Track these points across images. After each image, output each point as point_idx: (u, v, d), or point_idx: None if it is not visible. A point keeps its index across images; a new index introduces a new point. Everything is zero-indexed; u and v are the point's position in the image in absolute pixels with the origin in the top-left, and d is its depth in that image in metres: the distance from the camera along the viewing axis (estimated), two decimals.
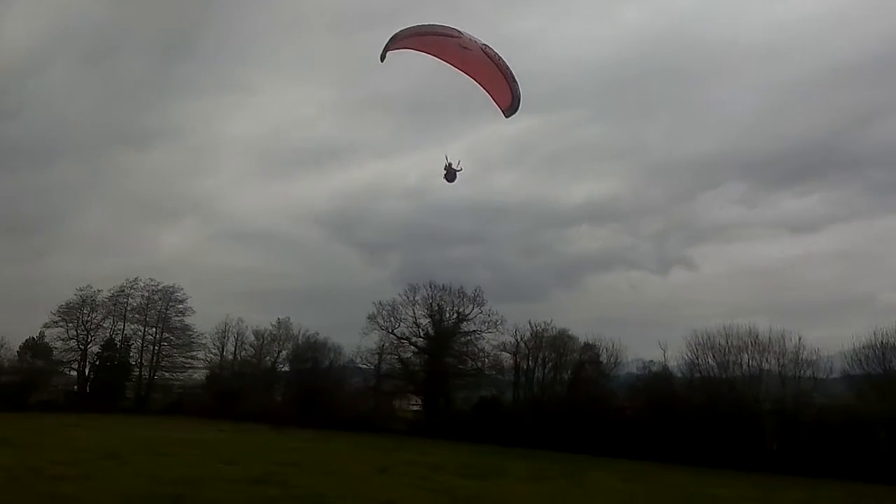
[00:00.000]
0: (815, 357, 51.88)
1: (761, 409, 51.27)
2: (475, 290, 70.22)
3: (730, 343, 53.17)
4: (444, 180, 20.63)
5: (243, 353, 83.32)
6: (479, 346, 70.49)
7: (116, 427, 51.52)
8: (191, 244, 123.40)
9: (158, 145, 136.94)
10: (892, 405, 47.11)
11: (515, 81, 18.75)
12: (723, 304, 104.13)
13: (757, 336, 52.56)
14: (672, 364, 58.55)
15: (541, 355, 64.94)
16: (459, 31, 17.78)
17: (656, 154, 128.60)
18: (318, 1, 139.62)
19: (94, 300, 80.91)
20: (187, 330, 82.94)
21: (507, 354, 67.20)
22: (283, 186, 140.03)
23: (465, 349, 71.59)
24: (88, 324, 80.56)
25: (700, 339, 54.58)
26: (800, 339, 51.63)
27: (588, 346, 63.64)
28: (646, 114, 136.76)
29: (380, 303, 71.56)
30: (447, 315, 71.31)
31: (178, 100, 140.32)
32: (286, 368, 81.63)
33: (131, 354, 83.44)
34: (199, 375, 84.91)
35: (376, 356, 73.06)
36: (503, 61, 18.33)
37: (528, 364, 65.54)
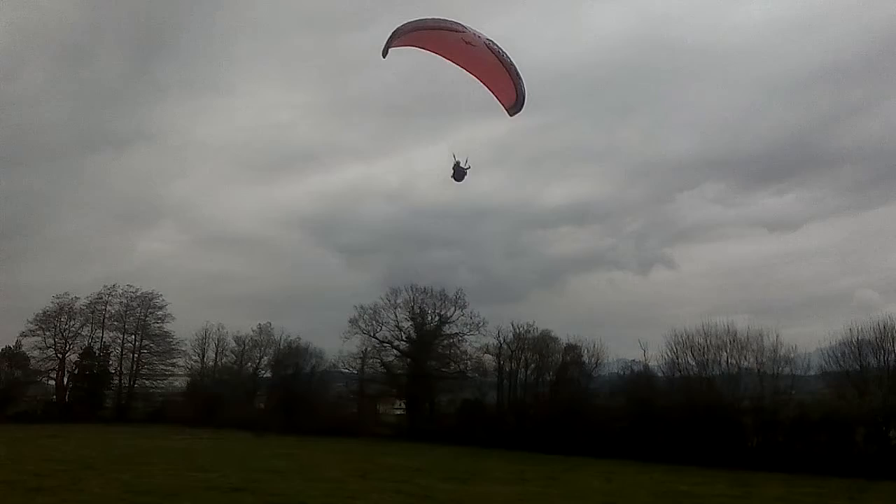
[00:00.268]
0: (792, 354, 52.45)
1: (740, 406, 51.72)
2: (457, 293, 70.42)
3: (709, 342, 53.57)
4: (452, 179, 19.65)
5: (224, 359, 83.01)
6: (461, 348, 70.70)
7: (95, 437, 51.00)
8: (169, 249, 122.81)
9: (134, 149, 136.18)
10: (870, 401, 47.75)
11: (520, 78, 18.14)
12: (702, 302, 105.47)
13: (735, 334, 53.01)
14: (653, 363, 58.94)
15: (523, 357, 65.05)
16: (464, 26, 17.18)
17: (635, 155, 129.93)
18: (295, 2, 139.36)
19: (71, 308, 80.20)
20: (167, 337, 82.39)
21: (490, 356, 67.37)
22: (262, 190, 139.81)
23: (447, 352, 71.62)
24: (66, 332, 79.76)
25: (680, 338, 54.94)
26: (777, 336, 52.16)
27: (570, 347, 63.85)
28: (624, 115, 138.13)
29: (361, 306, 71.55)
30: (429, 318, 71.32)
31: (154, 102, 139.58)
32: (268, 374, 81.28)
33: (110, 363, 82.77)
34: (180, 383, 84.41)
35: (359, 360, 72.89)
36: (507, 57, 17.71)
37: (511, 366, 65.62)
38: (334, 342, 74.13)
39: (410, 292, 70.81)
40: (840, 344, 50.41)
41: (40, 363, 79.96)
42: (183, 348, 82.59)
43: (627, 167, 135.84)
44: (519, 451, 50.35)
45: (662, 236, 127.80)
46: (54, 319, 79.31)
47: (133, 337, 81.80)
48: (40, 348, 79.31)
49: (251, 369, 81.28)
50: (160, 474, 28.53)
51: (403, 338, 71.68)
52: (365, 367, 73.48)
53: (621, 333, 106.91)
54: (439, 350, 71.57)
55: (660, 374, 58.39)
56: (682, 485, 33.43)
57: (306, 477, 30.06)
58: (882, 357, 48.70)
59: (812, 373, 54.37)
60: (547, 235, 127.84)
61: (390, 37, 16.65)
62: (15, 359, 79.75)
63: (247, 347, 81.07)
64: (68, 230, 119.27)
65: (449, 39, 17.21)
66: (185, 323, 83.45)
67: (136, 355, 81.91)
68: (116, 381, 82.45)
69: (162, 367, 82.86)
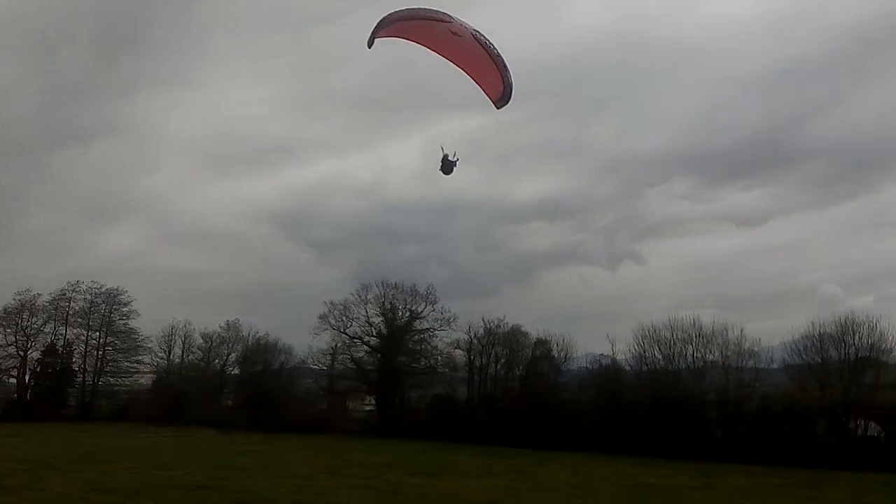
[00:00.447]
0: (756, 348, 53.38)
1: (705, 399, 52.59)
2: (428, 288, 70.34)
3: (675, 335, 54.29)
4: (441, 172, 19.23)
5: (191, 356, 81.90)
6: (432, 343, 70.67)
7: (57, 436, 50.03)
8: (135, 245, 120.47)
9: (100, 143, 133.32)
10: (831, 394, 48.85)
11: (508, 70, 17.60)
12: (670, 297, 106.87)
13: (701, 328, 53.80)
14: (620, 357, 59.59)
15: (494, 352, 65.27)
16: (450, 16, 16.71)
17: (605, 151, 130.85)
18: None
19: (33, 304, 78.26)
20: (132, 334, 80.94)
21: (461, 352, 67.50)
22: (231, 185, 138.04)
23: (418, 347, 71.58)
24: (28, 329, 77.90)
25: (647, 332, 55.60)
26: (742, 330, 53.03)
27: (540, 342, 64.27)
28: (595, 110, 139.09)
29: (331, 302, 71.07)
30: (400, 313, 71.13)
31: (120, 96, 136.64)
32: (235, 371, 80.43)
33: (74, 360, 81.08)
34: (146, 380, 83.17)
35: (328, 356, 72.43)
36: (495, 48, 17.22)
37: (481, 361, 65.79)
38: (304, 338, 73.57)
39: (381, 288, 70.68)
40: (802, 337, 51.51)
41: (1, 361, 78.05)
42: (149, 345, 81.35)
43: (598, 163, 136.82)
44: (489, 446, 50.57)
45: (632, 232, 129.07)
46: (15, 316, 77.46)
47: (97, 334, 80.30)
48: (1, 346, 77.45)
49: (218, 366, 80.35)
50: (123, 473, 28.08)
51: (374, 333, 71.48)
52: (335, 363, 73.09)
53: (590, 328, 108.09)
54: (410, 346, 71.51)
55: (627, 368, 59.11)
56: (649, 477, 33.88)
57: (274, 474, 29.82)
58: (843, 350, 49.84)
59: (775, 366, 55.40)
60: (518, 230, 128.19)
61: (376, 27, 16.32)
62: None
63: (214, 344, 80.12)
64: (35, 225, 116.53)
65: (435, 30, 16.85)
66: (151, 319, 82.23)
67: (100, 352, 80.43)
68: (80, 379, 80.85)
69: (127, 364, 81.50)
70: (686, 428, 48.54)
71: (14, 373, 78.63)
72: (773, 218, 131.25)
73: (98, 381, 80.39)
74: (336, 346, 71.57)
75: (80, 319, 79.83)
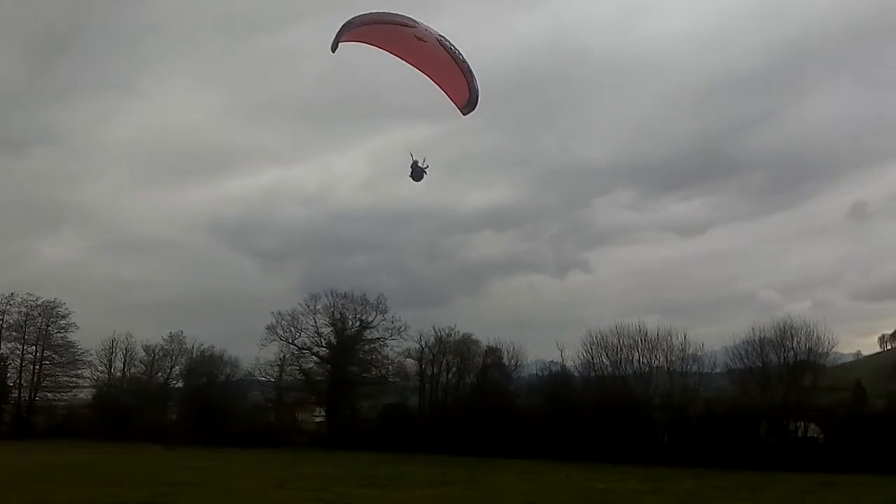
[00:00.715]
0: (700, 353, 54.74)
1: (651, 404, 53.59)
2: (378, 297, 69.80)
3: (622, 342, 55.27)
4: (410, 179, 18.87)
5: (133, 369, 79.40)
6: (383, 353, 70.11)
7: None
8: (72, 255, 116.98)
9: (34, 150, 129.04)
10: (772, 397, 50.34)
11: (473, 76, 17.42)
12: (616, 304, 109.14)
13: (646, 334, 54.91)
14: (570, 364, 60.29)
15: (445, 360, 65.24)
16: (415, 21, 16.49)
17: (551, 161, 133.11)
18: (209, 3, 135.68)
19: None
20: (71, 347, 77.88)
21: (412, 361, 67.23)
22: (172, 193, 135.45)
23: (368, 357, 70.96)
24: None
25: (595, 338, 56.44)
26: (685, 336, 54.35)
27: (491, 350, 64.56)
28: (541, 121, 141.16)
29: (279, 313, 69.87)
30: (350, 323, 70.45)
31: (55, 102, 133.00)
32: (180, 384, 78.26)
33: (9, 375, 77.52)
34: (86, 395, 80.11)
35: (276, 368, 71.18)
36: (460, 54, 17.02)
37: (432, 370, 65.68)
38: (251, 350, 71.99)
39: (330, 297, 69.86)
40: (744, 342, 53.05)
41: None
42: (88, 359, 78.42)
43: (545, 173, 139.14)
44: (441, 455, 50.37)
45: (578, 240, 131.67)
46: None
47: (34, 348, 77.06)
48: None
49: (162, 380, 78.14)
50: (62, 492, 26.92)
51: (323, 344, 70.57)
52: (283, 374, 71.88)
53: (540, 335, 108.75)
54: (360, 355, 70.83)
55: (576, 374, 59.84)
56: (598, 482, 34.21)
57: (220, 489, 29.08)
58: (782, 354, 51.48)
59: (718, 370, 56.88)
60: (468, 240, 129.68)
61: (340, 30, 16.03)
62: None
63: (157, 357, 77.86)
64: None
65: (400, 34, 16.60)
66: (90, 332, 79.32)
67: (37, 367, 77.20)
68: (15, 395, 77.46)
69: (65, 378, 78.38)
70: (633, 432, 49.37)
71: None
72: (714, 227, 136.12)
73: (35, 396, 77.15)
74: (284, 357, 70.52)
75: (14, 333, 76.49)
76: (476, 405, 59.30)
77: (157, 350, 77.64)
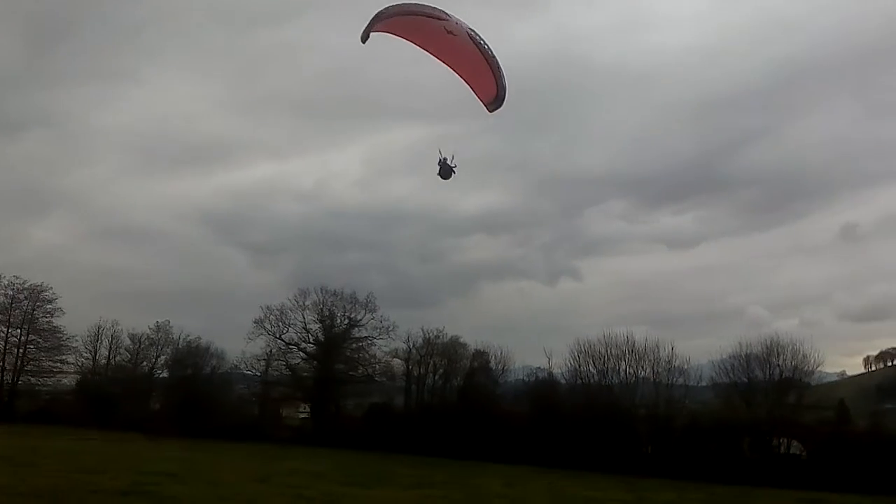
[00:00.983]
0: (686, 365, 55.01)
1: (636, 414, 53.74)
2: (368, 296, 69.71)
3: (609, 351, 55.48)
4: (438, 177, 18.52)
5: (118, 357, 78.85)
6: (370, 352, 70.05)
7: None
8: (62, 240, 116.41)
9: (29, 133, 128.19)
10: (756, 412, 50.61)
11: (501, 72, 17.07)
12: (605, 313, 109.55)
13: (634, 345, 55.17)
14: (557, 371, 60.45)
15: (432, 362, 65.26)
16: (447, 14, 16.19)
17: (546, 168, 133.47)
18: None
19: None
20: (56, 332, 77.32)
21: (399, 361, 67.21)
22: (166, 183, 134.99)
23: (356, 355, 70.86)
24: None
25: (582, 346, 56.63)
26: (672, 348, 54.63)
27: (478, 353, 64.60)
28: (538, 129, 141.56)
29: (268, 307, 69.68)
30: (338, 321, 70.35)
31: (51, 86, 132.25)
32: (164, 374, 77.83)
33: None
34: (69, 381, 79.54)
35: (262, 362, 70.94)
36: (489, 49, 16.71)
37: (419, 371, 65.69)
38: (238, 343, 71.80)
39: (320, 294, 69.75)
40: (730, 357, 53.40)
41: None
42: (74, 345, 77.84)
43: (539, 180, 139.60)
44: (425, 456, 50.31)
45: (570, 249, 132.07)
46: None
47: (19, 331, 76.44)
48: None
49: (147, 369, 77.69)
50: (42, 476, 26.69)
51: (311, 340, 70.42)
52: (269, 369, 71.66)
53: (528, 341, 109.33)
54: (347, 353, 70.72)
55: (563, 382, 59.95)
56: (581, 489, 34.27)
57: (202, 481, 28.86)
58: (768, 370, 51.82)
59: (703, 383, 57.13)
60: (460, 243, 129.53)
61: (371, 20, 15.78)
62: None
63: (143, 346, 77.36)
64: None
65: (430, 27, 16.30)
66: (76, 318, 78.92)
67: (21, 350, 76.58)
68: None
69: (49, 363, 77.75)
70: (618, 442, 49.48)
71: None
72: (705, 241, 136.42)
73: (18, 380, 76.55)
74: (271, 351, 70.35)
75: (0, 316, 75.99)
76: (461, 408, 59.33)
77: (143, 339, 77.25)
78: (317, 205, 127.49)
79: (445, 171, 18.59)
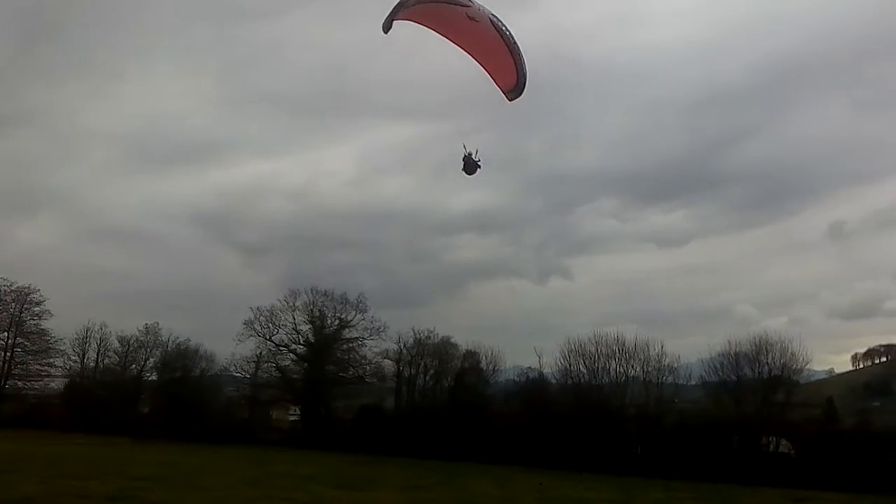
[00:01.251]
0: (676, 364, 55.15)
1: (626, 413, 53.86)
2: (358, 297, 69.50)
3: (599, 350, 55.55)
4: (463, 172, 18.21)
5: (106, 360, 78.23)
6: (361, 353, 69.76)
7: None
8: (49, 241, 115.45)
9: (13, 131, 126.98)
10: (745, 410, 50.84)
11: (523, 59, 16.82)
12: (595, 312, 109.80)
13: (624, 343, 55.23)
14: (547, 371, 60.45)
15: (423, 363, 65.09)
16: (470, 0, 16.01)
17: (537, 166, 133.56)
18: None
19: None
20: (44, 335, 76.56)
21: (390, 362, 66.93)
22: (154, 182, 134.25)
23: (346, 356, 70.62)
24: None
25: (572, 346, 56.66)
26: (662, 347, 54.74)
27: (469, 354, 64.50)
28: (529, 126, 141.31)
29: (257, 308, 69.33)
30: (329, 321, 70.06)
31: (37, 84, 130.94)
32: (154, 377, 77.33)
33: None
34: (57, 384, 78.77)
35: (252, 364, 70.55)
36: (511, 35, 16.45)
37: (410, 371, 65.50)
38: (227, 345, 71.36)
39: (310, 295, 69.46)
40: (719, 355, 53.57)
41: None
42: (61, 347, 77.06)
43: (530, 178, 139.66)
44: (416, 458, 50.22)
45: (560, 247, 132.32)
46: None
47: (6, 334, 75.71)
48: None
49: (135, 371, 77.13)
50: (28, 482, 26.45)
51: (301, 341, 70.12)
52: (259, 371, 71.26)
53: (519, 340, 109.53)
54: (338, 355, 70.48)
55: (553, 381, 60.00)
56: (572, 490, 34.29)
57: (191, 485, 28.71)
58: (757, 369, 52.04)
59: (693, 382, 57.32)
60: (450, 242, 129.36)
61: (394, 9, 15.53)
62: None
63: (131, 348, 76.80)
64: None
65: (452, 14, 16.16)
66: (64, 320, 78.15)
67: (8, 354, 75.89)
68: None
69: (37, 366, 76.97)
70: (608, 441, 49.58)
71: None
72: (694, 239, 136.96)
73: (4, 384, 75.86)
74: (261, 353, 69.94)
75: None
76: (452, 409, 59.26)
77: (131, 341, 76.69)
78: (307, 204, 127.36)
79: (470, 166, 18.27)
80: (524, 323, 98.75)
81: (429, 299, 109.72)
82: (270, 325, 69.15)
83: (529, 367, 62.96)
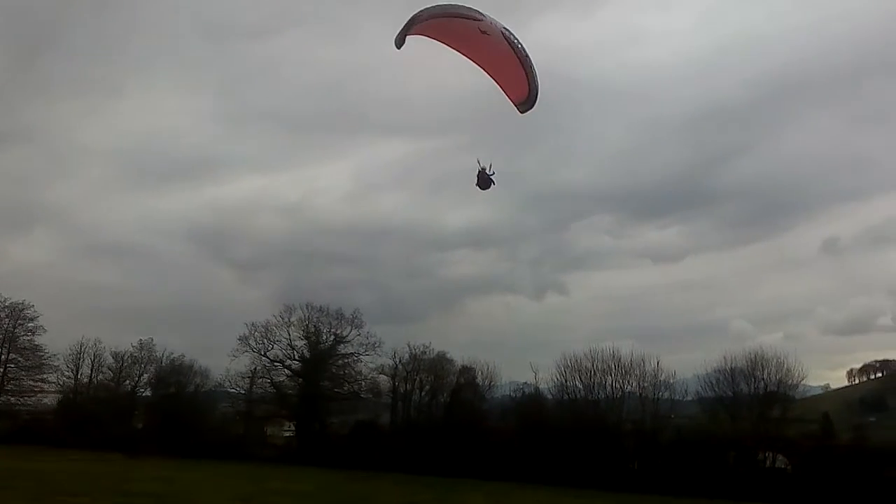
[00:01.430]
0: (672, 380, 55.17)
1: (623, 429, 53.71)
2: (354, 312, 69.22)
3: (595, 366, 55.52)
4: (477, 187, 18.33)
5: (101, 376, 77.59)
6: (356, 368, 69.39)
7: None
8: (44, 257, 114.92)
9: (10, 147, 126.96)
10: (741, 426, 50.79)
11: (534, 72, 16.95)
12: (591, 327, 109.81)
13: (620, 359, 55.22)
14: (543, 386, 60.33)
15: (418, 378, 64.89)
16: (482, 14, 16.16)
17: (533, 183, 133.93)
18: (196, 7, 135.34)
19: None
20: (38, 351, 75.93)
21: (385, 377, 66.68)
22: (151, 198, 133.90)
23: (342, 372, 70.25)
24: None
25: (569, 361, 56.64)
26: (658, 362, 54.77)
27: (465, 369, 64.31)
28: (524, 143, 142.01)
29: (252, 324, 68.94)
30: (324, 337, 69.76)
31: (35, 100, 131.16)
32: (148, 393, 76.81)
33: None
34: (50, 400, 78.21)
35: (247, 380, 70.09)
36: (523, 49, 16.60)
37: (405, 387, 65.30)
38: (222, 361, 70.96)
39: (306, 310, 69.16)
40: (715, 371, 53.66)
41: None
42: (55, 363, 76.33)
43: (526, 195, 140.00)
44: (412, 474, 49.92)
45: (556, 263, 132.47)
46: None
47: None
48: None
49: (129, 387, 76.63)
50: (21, 499, 26.28)
51: (296, 357, 69.73)
52: (253, 386, 70.81)
53: (515, 356, 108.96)
54: (333, 370, 70.11)
55: (549, 397, 59.86)
56: None
57: (185, 502, 28.57)
58: (753, 384, 52.11)
59: (689, 398, 57.26)
60: (446, 257, 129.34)
61: (407, 24, 15.66)
62: None
63: (126, 364, 76.23)
64: None
65: (464, 28, 16.29)
66: (58, 336, 77.53)
67: (1, 369, 75.37)
68: None
69: (31, 382, 76.37)
70: (604, 457, 49.39)
71: None
72: (690, 255, 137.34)
73: None
74: (256, 369, 69.44)
75: None
76: (448, 425, 59.01)
77: (126, 357, 76.14)
78: (303, 220, 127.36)
79: (484, 181, 18.32)
80: (520, 338, 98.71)
81: (425, 315, 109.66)
82: (265, 340, 68.92)
83: (525, 383, 62.95)
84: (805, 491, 42.43)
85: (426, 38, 16.60)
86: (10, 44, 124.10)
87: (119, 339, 79.34)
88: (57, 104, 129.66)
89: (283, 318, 69.01)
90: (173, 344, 75.95)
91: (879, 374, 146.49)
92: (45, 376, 76.54)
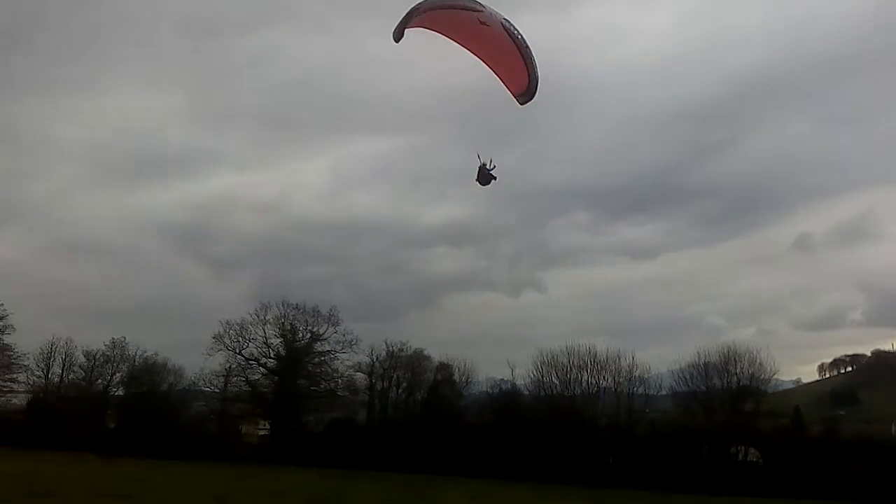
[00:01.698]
0: (646, 375, 55.74)
1: (598, 423, 54.15)
2: (330, 310, 68.70)
3: (571, 362, 55.93)
4: (477, 183, 18.04)
5: (72, 375, 76.26)
6: (333, 366, 68.93)
7: None
8: (13, 254, 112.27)
9: None
10: (715, 420, 51.44)
11: (534, 63, 16.71)
12: (568, 324, 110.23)
13: (595, 355, 55.70)
14: (520, 382, 60.56)
15: (396, 375, 64.78)
16: (482, 5, 15.91)
17: (511, 180, 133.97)
18: (171, 3, 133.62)
19: None
20: (7, 350, 74.43)
21: (362, 375, 66.43)
22: (123, 195, 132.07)
23: (318, 370, 69.81)
24: None
25: (545, 358, 56.98)
26: (633, 358, 55.32)
27: (442, 366, 64.30)
28: (502, 140, 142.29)
29: (227, 322, 68.17)
30: (300, 335, 69.24)
31: (4, 97, 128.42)
32: (120, 392, 75.72)
33: None
34: (20, 400, 76.78)
35: (222, 379, 69.35)
36: (522, 39, 16.29)
37: (383, 384, 65.17)
38: (196, 359, 70.08)
39: (282, 308, 68.54)
40: (689, 366, 54.38)
41: None
42: (25, 363, 75.03)
43: (504, 192, 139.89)
44: (389, 471, 49.80)
45: (534, 260, 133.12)
46: None
47: None
48: None
49: (101, 387, 75.41)
50: None
51: (272, 355, 69.15)
52: (228, 385, 70.07)
53: (492, 353, 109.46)
54: (309, 368, 69.66)
55: (526, 393, 60.07)
56: (544, 501, 34.32)
57: (157, 501, 28.20)
58: (726, 379, 52.85)
59: (663, 393, 57.91)
60: (424, 254, 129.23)
61: (406, 16, 15.43)
62: None
63: (97, 363, 74.91)
64: None
65: (464, 19, 16.09)
66: (28, 335, 76.01)
67: None
68: None
69: (0, 382, 75.14)
70: (580, 452, 49.73)
71: None
72: (665, 252, 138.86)
73: None
74: (230, 367, 68.68)
75: None
76: (425, 421, 59.00)
77: (98, 356, 74.85)
78: (280, 217, 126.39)
79: (484, 177, 18.05)
80: (497, 335, 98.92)
81: (402, 312, 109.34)
82: (240, 338, 68.21)
83: (502, 379, 63.10)
84: (776, 483, 43.09)
85: (425, 30, 16.43)
86: None
87: (91, 338, 77.84)
88: (27, 101, 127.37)
89: (258, 316, 68.42)
90: (147, 342, 74.82)
91: (850, 369, 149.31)
92: (14, 376, 74.99)
